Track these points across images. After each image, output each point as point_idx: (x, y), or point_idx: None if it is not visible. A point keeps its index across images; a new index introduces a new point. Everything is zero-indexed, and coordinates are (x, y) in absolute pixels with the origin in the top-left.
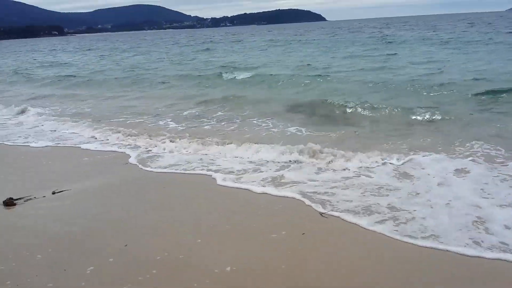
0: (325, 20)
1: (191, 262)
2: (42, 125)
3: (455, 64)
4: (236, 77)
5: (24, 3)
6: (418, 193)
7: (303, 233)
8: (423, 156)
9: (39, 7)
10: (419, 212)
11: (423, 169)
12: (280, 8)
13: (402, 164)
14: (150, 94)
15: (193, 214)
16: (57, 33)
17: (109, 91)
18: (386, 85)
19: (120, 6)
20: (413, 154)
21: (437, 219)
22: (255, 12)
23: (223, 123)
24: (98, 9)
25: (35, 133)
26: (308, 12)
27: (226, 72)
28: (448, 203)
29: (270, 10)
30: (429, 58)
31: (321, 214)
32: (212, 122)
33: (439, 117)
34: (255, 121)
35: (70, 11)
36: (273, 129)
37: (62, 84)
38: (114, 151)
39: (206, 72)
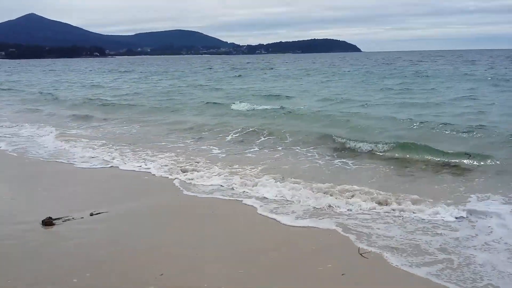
0: (360, 51)
1: None
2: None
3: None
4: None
5: (70, 25)
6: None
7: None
8: (480, 199)
9: (83, 28)
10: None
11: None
12: (315, 38)
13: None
14: (185, 118)
15: (232, 245)
16: (98, 54)
17: (144, 115)
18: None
19: (160, 30)
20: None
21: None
22: (290, 41)
23: (265, 151)
24: (139, 33)
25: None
26: (343, 42)
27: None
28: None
29: (305, 39)
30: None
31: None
32: (255, 149)
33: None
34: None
35: (113, 34)
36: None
37: (96, 107)
38: (153, 174)
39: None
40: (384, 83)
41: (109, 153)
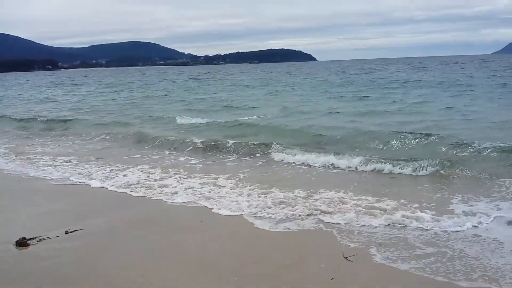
0: (316, 60)
1: None
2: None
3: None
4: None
5: (20, 37)
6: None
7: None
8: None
9: (35, 41)
10: None
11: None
12: (272, 48)
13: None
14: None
15: (213, 255)
16: (51, 67)
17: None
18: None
19: (116, 42)
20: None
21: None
22: (247, 51)
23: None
24: (94, 45)
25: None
26: (299, 52)
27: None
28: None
29: (262, 49)
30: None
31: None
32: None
33: None
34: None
35: (66, 46)
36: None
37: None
38: (122, 191)
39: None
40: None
41: (79, 169)
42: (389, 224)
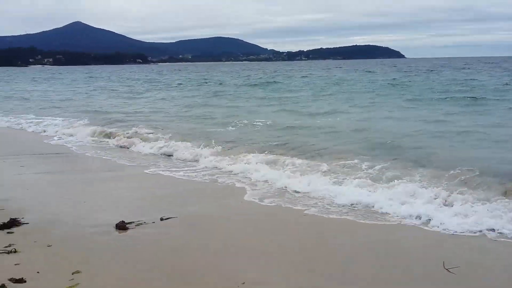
0: (404, 57)
1: None
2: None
3: None
4: None
5: (114, 32)
6: None
7: None
8: None
9: (127, 36)
10: None
11: None
12: (357, 44)
13: None
14: None
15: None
16: (141, 61)
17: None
18: None
19: (201, 38)
20: None
21: None
22: (331, 47)
23: None
24: (181, 40)
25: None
26: (386, 48)
27: None
28: None
29: (346, 45)
30: None
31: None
32: None
33: None
34: None
35: (155, 41)
36: None
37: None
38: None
39: None
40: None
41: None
42: None
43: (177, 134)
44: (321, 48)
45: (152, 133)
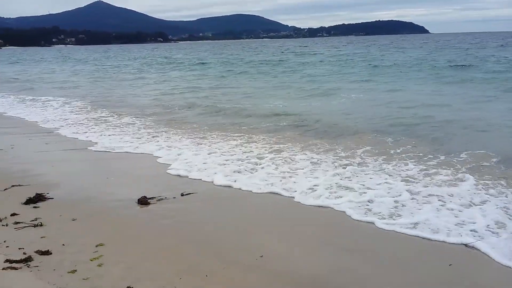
0: (428, 32)
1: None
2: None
3: None
4: None
5: (135, 11)
6: None
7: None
8: None
9: (147, 14)
10: None
11: None
12: (380, 19)
13: None
14: None
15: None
16: (162, 39)
17: None
18: None
19: (221, 15)
20: None
21: None
22: (353, 23)
23: None
24: (201, 18)
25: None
26: (410, 23)
27: None
28: None
29: (369, 21)
30: None
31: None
32: None
33: None
34: None
35: (175, 20)
36: None
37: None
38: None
39: None
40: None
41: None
42: None
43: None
44: (343, 24)
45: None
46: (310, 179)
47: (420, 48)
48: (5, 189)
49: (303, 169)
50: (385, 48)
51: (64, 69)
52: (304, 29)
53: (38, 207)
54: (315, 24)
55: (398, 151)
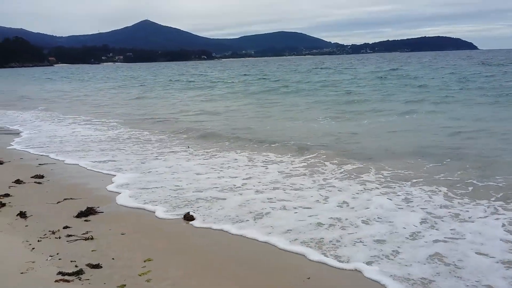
0: (477, 48)
1: None
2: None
3: None
4: None
5: (180, 30)
6: None
7: None
8: None
9: (192, 33)
10: None
11: None
12: (426, 36)
13: None
14: None
15: None
16: (205, 57)
17: None
18: None
19: (264, 33)
20: None
21: None
22: (398, 39)
23: None
24: (244, 36)
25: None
26: (457, 40)
27: None
28: None
29: (414, 37)
30: None
31: None
32: None
33: None
34: None
35: (219, 38)
36: None
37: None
38: None
39: None
40: None
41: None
42: None
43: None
44: (388, 40)
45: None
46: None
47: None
48: (58, 202)
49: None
50: (429, 65)
51: (134, 84)
52: (347, 45)
53: (89, 220)
54: (358, 41)
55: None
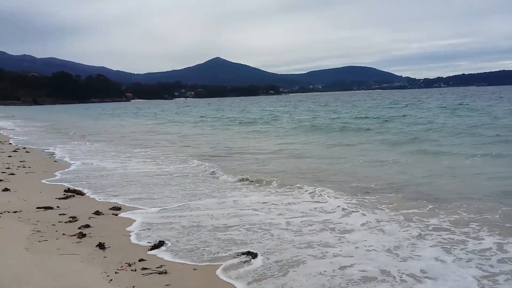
0: None
1: None
2: None
3: None
4: None
5: (249, 66)
6: None
7: None
8: None
9: (260, 69)
10: None
11: None
12: (505, 69)
13: None
14: None
15: None
16: (273, 92)
17: None
18: None
19: (332, 68)
20: None
21: None
22: (474, 72)
23: None
24: (312, 71)
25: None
26: None
27: None
28: None
29: (492, 70)
30: None
31: None
32: None
33: None
34: None
35: (287, 73)
36: None
37: None
38: None
39: None
40: None
41: None
42: None
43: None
44: (463, 74)
45: None
46: None
47: None
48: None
49: None
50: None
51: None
52: (419, 79)
53: (162, 255)
54: (431, 75)
55: None
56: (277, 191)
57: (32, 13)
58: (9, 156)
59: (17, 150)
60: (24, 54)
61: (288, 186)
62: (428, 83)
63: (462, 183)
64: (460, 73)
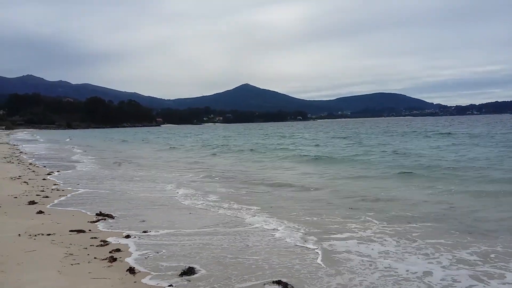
0: None
1: None
2: None
3: None
4: None
5: (277, 92)
6: None
7: None
8: None
9: (288, 95)
10: None
11: None
12: None
13: None
14: None
15: None
16: (301, 118)
17: None
18: None
19: (361, 94)
20: None
21: None
22: (509, 100)
23: None
24: (340, 97)
25: None
26: None
27: None
28: None
29: None
30: None
31: None
32: None
33: None
34: None
35: (316, 99)
36: None
37: None
38: None
39: None
40: None
41: None
42: None
43: None
44: (496, 101)
45: None
46: None
47: None
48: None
49: None
50: None
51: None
52: (451, 106)
53: (190, 280)
54: (463, 102)
55: None
56: None
57: (69, 41)
58: (43, 179)
59: (51, 173)
60: (60, 80)
61: None
62: (460, 110)
63: None
64: (493, 100)
